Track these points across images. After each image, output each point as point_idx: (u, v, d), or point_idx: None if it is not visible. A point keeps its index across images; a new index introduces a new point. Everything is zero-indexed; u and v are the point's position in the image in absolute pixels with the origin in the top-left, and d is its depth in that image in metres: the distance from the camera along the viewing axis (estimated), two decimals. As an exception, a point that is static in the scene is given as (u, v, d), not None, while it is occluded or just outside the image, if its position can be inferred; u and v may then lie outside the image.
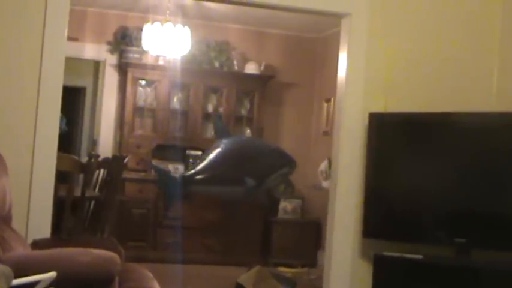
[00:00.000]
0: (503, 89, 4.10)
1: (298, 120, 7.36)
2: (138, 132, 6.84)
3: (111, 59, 6.90)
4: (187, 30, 6.20)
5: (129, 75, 6.71)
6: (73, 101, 8.55)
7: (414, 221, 3.85)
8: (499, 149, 3.70)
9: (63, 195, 4.07)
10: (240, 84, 7.05)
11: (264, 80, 7.07)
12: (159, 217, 6.44)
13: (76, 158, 4.60)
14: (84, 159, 4.77)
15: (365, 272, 3.91)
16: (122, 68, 6.84)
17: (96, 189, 5.13)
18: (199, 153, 6.64)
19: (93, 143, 7.40)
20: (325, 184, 6.38)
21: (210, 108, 7.05)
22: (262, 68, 7.09)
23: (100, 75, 7.40)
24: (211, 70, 7.03)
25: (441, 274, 3.62)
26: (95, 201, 4.81)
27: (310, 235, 6.86)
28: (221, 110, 7.01)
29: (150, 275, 3.12)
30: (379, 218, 3.90)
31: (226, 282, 5.36)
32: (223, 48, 7.09)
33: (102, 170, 5.08)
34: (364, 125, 3.95)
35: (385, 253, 3.74)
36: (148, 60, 6.80)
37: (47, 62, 3.52)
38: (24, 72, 3.51)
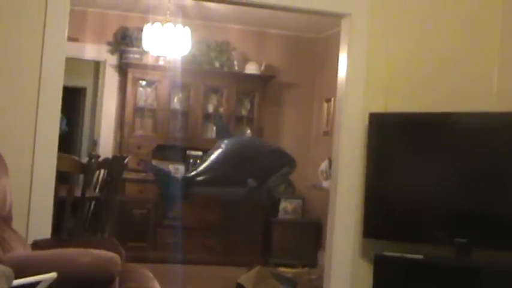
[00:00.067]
0: (503, 89, 4.10)
1: (299, 120, 7.37)
2: (139, 132, 6.84)
3: (112, 60, 6.90)
4: (187, 31, 6.20)
5: (130, 76, 6.71)
6: (73, 101, 8.56)
7: (414, 221, 3.85)
8: (499, 149, 3.70)
9: (64, 195, 4.07)
10: (241, 84, 7.05)
11: (264, 80, 7.07)
12: (159, 217, 6.43)
13: (76, 158, 4.60)
14: (84, 159, 4.78)
15: (365, 272, 3.91)
16: (122, 69, 6.84)
17: (97, 190, 5.13)
18: (200, 153, 6.64)
19: (94, 143, 7.40)
20: (325, 184, 6.38)
21: (211, 108, 7.05)
22: (262, 68, 7.09)
23: (100, 76, 7.39)
24: (211, 70, 7.03)
25: (441, 274, 3.62)
26: (96, 202, 4.82)
27: (310, 235, 6.86)
28: (221, 110, 7.01)
29: (151, 275, 3.13)
30: (380, 218, 3.90)
31: (226, 282, 5.36)
32: (223, 49, 7.09)
33: (102, 171, 5.09)
34: (364, 125, 3.95)
35: (386, 253, 3.74)
36: (149, 60, 6.80)
37: (47, 62, 3.52)
38: (25, 73, 3.51)
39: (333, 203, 4.05)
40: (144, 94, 6.91)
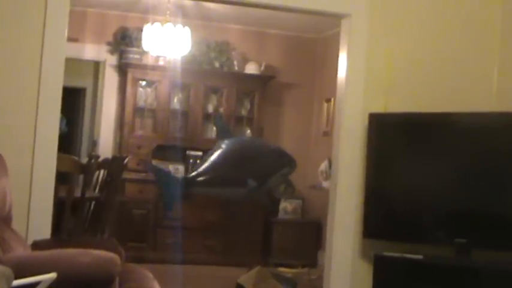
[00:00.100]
0: (503, 89, 4.10)
1: (299, 120, 7.36)
2: (138, 132, 6.84)
3: (111, 60, 6.90)
4: (187, 31, 6.20)
5: (129, 76, 6.71)
6: (73, 101, 8.56)
7: (414, 221, 3.85)
8: (499, 149, 3.70)
9: (64, 196, 4.07)
10: (240, 84, 7.05)
11: (264, 80, 7.07)
12: (159, 218, 6.43)
13: (76, 158, 4.60)
14: (84, 159, 4.78)
15: (365, 272, 3.91)
16: (122, 69, 6.84)
17: (97, 190, 5.13)
18: (200, 153, 6.64)
19: (93, 143, 7.40)
20: (325, 184, 6.38)
21: (210, 108, 7.05)
22: (262, 68, 7.09)
23: (100, 76, 7.39)
24: (211, 70, 7.03)
25: (441, 274, 3.62)
26: (95, 202, 4.81)
27: (310, 235, 6.86)
28: (221, 110, 7.00)
29: (151, 275, 3.13)
30: (380, 218, 3.90)
31: (226, 282, 5.36)
32: (223, 49, 7.09)
33: (102, 171, 5.08)
34: (364, 125, 3.95)
35: (386, 253, 3.74)
36: (149, 60, 6.80)
37: (47, 62, 3.52)
38: (24, 73, 3.51)
39: (332, 203, 4.05)
40: (144, 94, 6.90)
